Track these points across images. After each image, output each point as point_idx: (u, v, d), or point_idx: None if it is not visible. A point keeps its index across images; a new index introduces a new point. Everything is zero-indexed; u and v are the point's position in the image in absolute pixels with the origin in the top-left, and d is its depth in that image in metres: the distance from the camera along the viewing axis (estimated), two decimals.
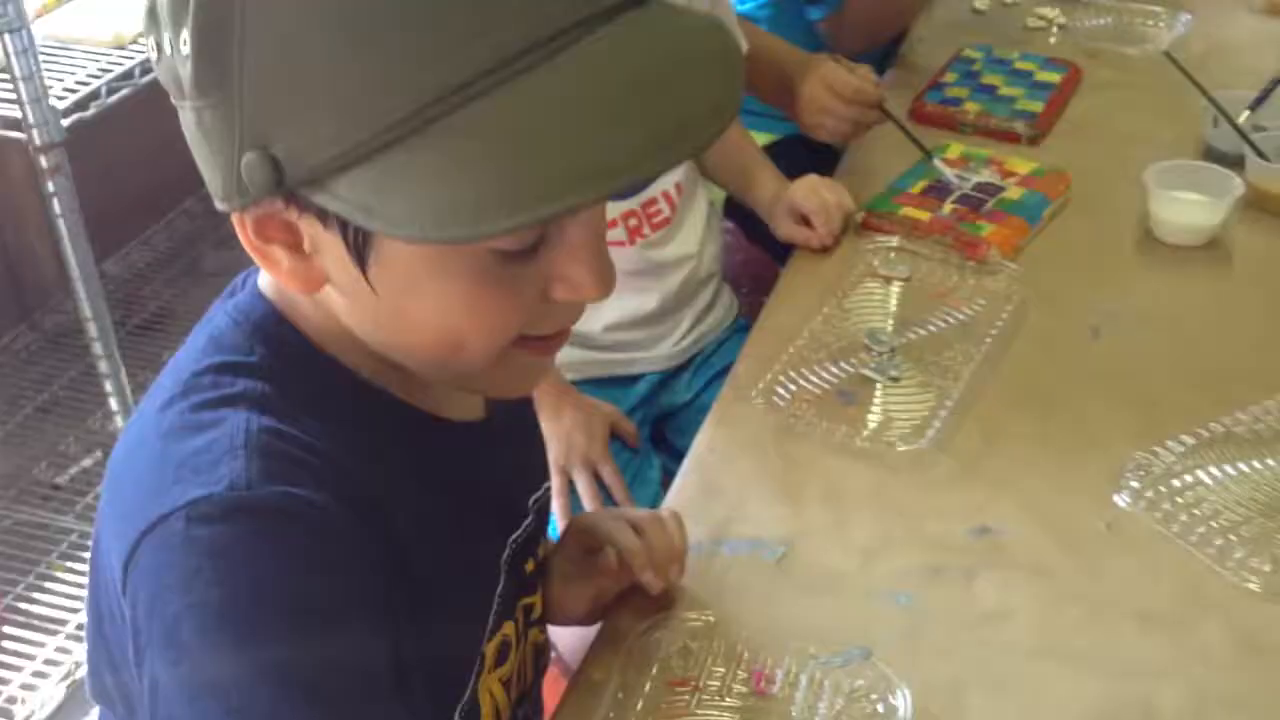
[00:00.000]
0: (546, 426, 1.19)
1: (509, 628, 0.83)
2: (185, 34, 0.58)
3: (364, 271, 0.63)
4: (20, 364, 2.16)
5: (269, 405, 0.67)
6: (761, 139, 1.69)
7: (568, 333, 0.71)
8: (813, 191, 1.37)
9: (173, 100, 0.62)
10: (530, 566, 0.86)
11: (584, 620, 0.94)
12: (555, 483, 1.18)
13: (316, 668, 0.61)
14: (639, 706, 0.84)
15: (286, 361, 0.69)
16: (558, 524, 1.15)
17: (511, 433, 0.85)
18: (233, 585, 0.61)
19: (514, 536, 0.83)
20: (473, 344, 0.66)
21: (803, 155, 1.59)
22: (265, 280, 0.72)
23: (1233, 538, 0.97)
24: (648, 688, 0.85)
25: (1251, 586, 0.94)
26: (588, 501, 1.25)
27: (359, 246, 0.62)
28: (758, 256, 1.87)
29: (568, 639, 1.16)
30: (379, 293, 0.64)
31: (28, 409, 2.07)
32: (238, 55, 0.57)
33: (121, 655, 0.67)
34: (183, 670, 0.60)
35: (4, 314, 2.22)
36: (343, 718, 0.62)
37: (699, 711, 0.84)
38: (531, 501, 0.86)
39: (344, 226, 0.61)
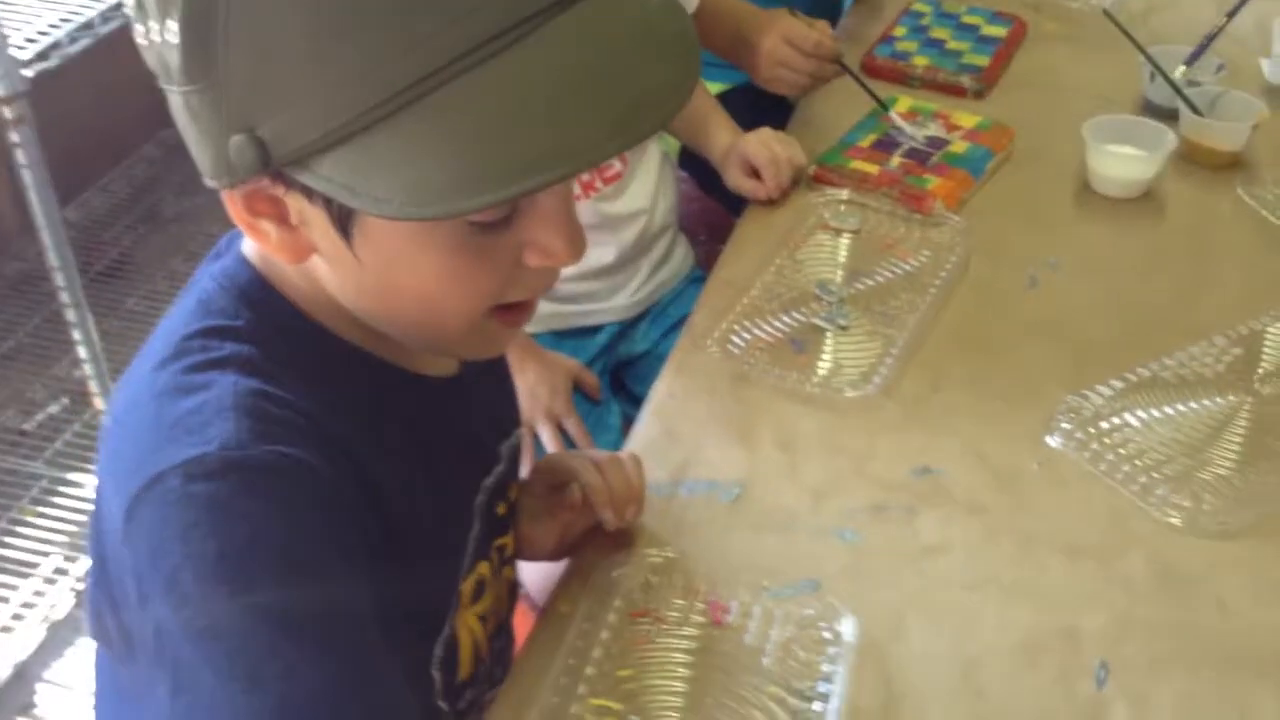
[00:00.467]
0: None
1: (484, 567, 0.88)
2: (172, 24, 0.60)
3: (348, 243, 0.67)
4: None
5: (255, 368, 0.71)
6: (713, 88, 1.72)
7: (536, 301, 0.75)
8: (764, 145, 1.41)
9: (160, 84, 0.65)
10: (502, 509, 0.91)
11: (553, 555, 0.99)
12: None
13: (307, 610, 0.66)
14: (604, 636, 0.89)
15: (271, 326, 0.73)
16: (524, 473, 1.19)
17: (484, 384, 0.90)
18: (228, 537, 0.65)
19: (486, 482, 0.88)
20: (451, 310, 0.70)
21: (753, 105, 1.63)
22: (249, 245, 0.76)
23: (1156, 476, 1.04)
24: (612, 619, 0.91)
25: (1173, 521, 1.01)
26: (552, 452, 1.30)
27: (343, 220, 0.65)
28: (713, 206, 1.91)
29: (532, 576, 1.22)
30: (363, 263, 0.67)
31: None
32: (223, 44, 0.60)
33: (123, 596, 0.71)
34: (185, 615, 0.65)
35: None
36: (333, 654, 0.66)
37: (660, 640, 0.90)
38: (503, 448, 0.91)
39: (328, 202, 0.64)
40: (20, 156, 1.60)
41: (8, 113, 1.57)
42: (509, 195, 0.60)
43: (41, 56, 1.62)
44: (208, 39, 0.60)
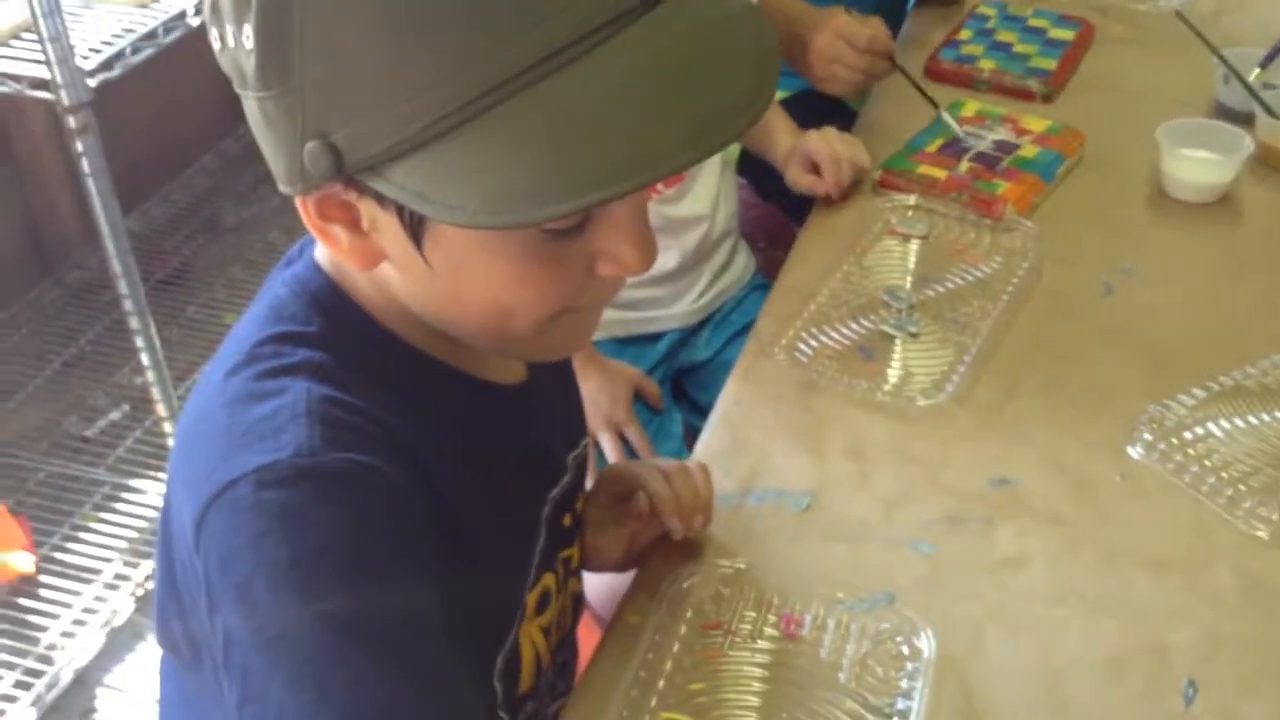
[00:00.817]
0: None
1: (549, 579, 0.87)
2: (248, 29, 0.60)
3: (419, 249, 0.66)
4: (46, 319, 2.20)
5: (327, 374, 0.70)
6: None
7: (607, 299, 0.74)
8: (826, 142, 1.39)
9: (236, 89, 0.65)
10: (568, 520, 0.90)
11: (619, 566, 0.98)
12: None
13: (377, 619, 0.65)
14: (675, 649, 0.88)
15: (342, 332, 0.73)
16: (588, 483, 1.18)
17: (552, 394, 0.88)
18: (300, 545, 0.64)
19: (552, 493, 0.87)
20: (520, 316, 0.69)
21: (814, 110, 1.62)
22: (321, 252, 0.75)
23: (1242, 488, 1.01)
24: (683, 631, 0.89)
25: (1260, 534, 0.98)
26: (614, 461, 1.28)
27: (414, 227, 0.64)
28: (772, 212, 1.89)
29: (595, 589, 1.20)
30: (433, 269, 0.67)
31: (55, 364, 2.11)
32: (298, 50, 0.59)
33: (192, 603, 0.70)
34: (255, 623, 0.64)
35: (28, 270, 2.26)
36: (400, 662, 0.65)
37: (732, 653, 0.88)
38: (571, 458, 0.90)
39: (400, 208, 0.63)
40: (85, 166, 1.60)
41: (73, 122, 1.58)
42: (584, 205, 0.59)
43: (106, 66, 1.63)
44: (283, 45, 0.59)
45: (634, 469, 0.99)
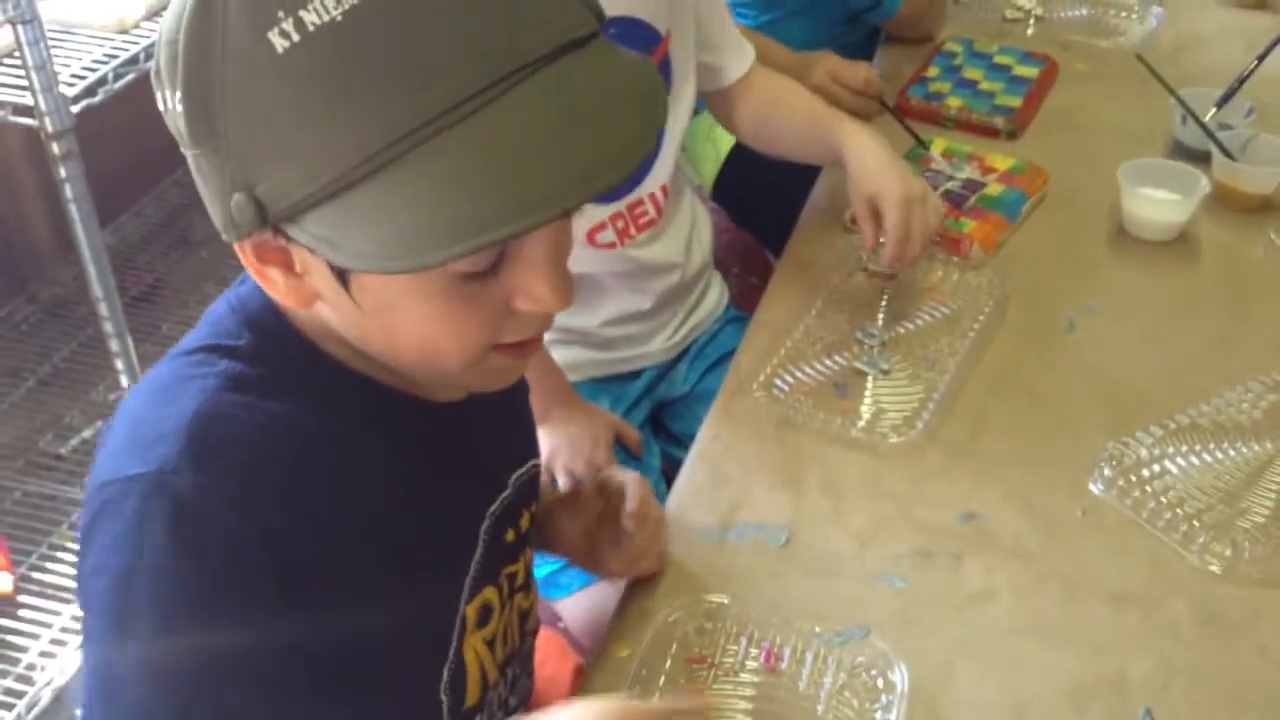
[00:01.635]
0: (554, 431, 1.26)
1: (490, 593, 0.90)
2: (178, 94, 0.66)
3: (347, 290, 0.71)
4: (20, 336, 2.19)
5: (242, 386, 0.74)
6: None
7: (541, 338, 0.78)
8: (906, 214, 1.25)
9: (181, 148, 0.70)
10: (511, 536, 0.93)
11: (576, 552, 1.04)
12: (562, 483, 1.25)
13: (183, 655, 0.69)
14: (661, 682, 0.92)
15: (273, 348, 0.77)
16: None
17: (493, 412, 0.91)
18: (136, 562, 0.69)
19: (492, 508, 0.90)
20: (448, 352, 0.73)
21: None
22: None
23: (1196, 524, 1.06)
24: (668, 665, 0.93)
25: (1213, 569, 1.03)
26: None
27: (339, 270, 0.69)
28: (745, 238, 1.93)
29: (574, 616, 1.24)
30: (362, 308, 0.72)
31: (30, 381, 2.10)
32: (220, 113, 0.65)
33: None
34: (87, 621, 0.71)
35: (1, 286, 2.25)
36: (196, 700, 0.70)
37: (716, 686, 0.92)
38: (514, 477, 0.93)
39: None
40: (68, 191, 1.62)
41: (56, 149, 1.59)
42: (472, 248, 0.63)
43: (89, 92, 1.64)
44: (207, 108, 0.65)
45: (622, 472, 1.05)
